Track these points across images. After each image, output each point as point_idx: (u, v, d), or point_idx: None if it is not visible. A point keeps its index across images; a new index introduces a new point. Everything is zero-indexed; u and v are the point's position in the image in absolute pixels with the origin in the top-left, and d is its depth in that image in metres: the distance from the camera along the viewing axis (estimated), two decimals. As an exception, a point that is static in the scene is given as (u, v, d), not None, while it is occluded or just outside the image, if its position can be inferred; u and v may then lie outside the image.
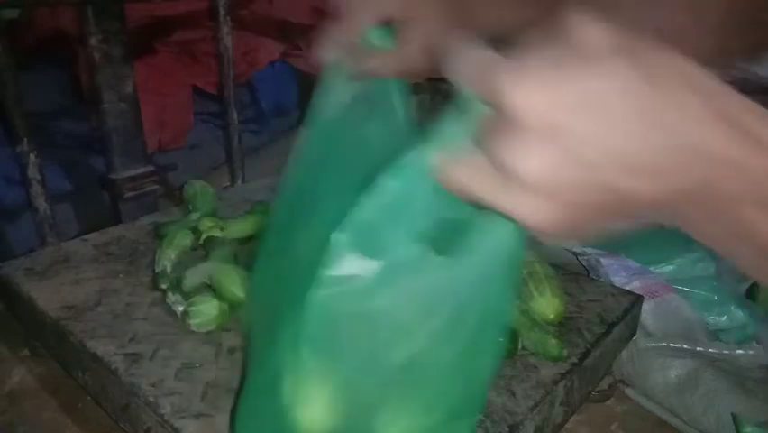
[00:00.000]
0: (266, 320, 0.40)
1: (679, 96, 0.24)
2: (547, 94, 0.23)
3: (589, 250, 0.84)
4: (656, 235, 1.04)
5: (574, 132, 0.23)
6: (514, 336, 0.55)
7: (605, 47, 0.24)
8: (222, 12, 0.90)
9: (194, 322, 0.57)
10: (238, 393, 0.48)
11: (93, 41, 0.81)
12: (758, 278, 0.26)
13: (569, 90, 0.23)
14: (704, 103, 0.24)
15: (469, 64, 0.26)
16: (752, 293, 0.89)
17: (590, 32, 0.25)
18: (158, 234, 0.74)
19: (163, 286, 0.65)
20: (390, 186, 0.29)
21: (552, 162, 0.24)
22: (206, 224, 0.75)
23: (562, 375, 0.54)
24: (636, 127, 0.23)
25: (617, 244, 0.89)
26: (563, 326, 0.60)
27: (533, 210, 0.25)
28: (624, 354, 0.66)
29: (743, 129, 0.24)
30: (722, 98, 0.24)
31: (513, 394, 0.51)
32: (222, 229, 0.75)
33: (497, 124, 0.25)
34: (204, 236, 0.74)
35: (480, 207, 0.26)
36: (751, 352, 0.65)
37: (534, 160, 0.24)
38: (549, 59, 0.24)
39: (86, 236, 0.77)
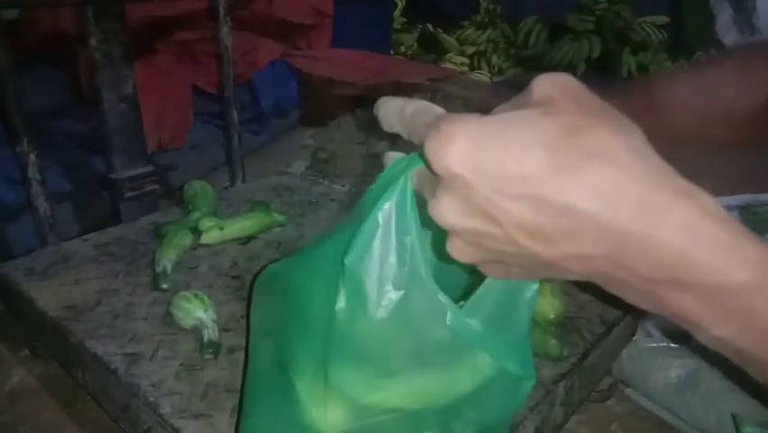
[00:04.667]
0: (275, 330, 0.40)
1: (587, 169, 0.24)
2: (461, 154, 0.26)
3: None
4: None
5: (478, 188, 0.25)
6: None
7: (540, 103, 0.26)
8: (222, 12, 0.90)
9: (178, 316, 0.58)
10: (242, 396, 0.48)
11: (93, 41, 0.81)
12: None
13: (479, 150, 0.25)
14: (615, 178, 0.24)
15: (406, 116, 0.30)
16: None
17: (543, 87, 0.27)
18: (158, 234, 0.74)
19: (164, 286, 0.65)
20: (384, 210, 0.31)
21: (456, 211, 0.27)
22: (206, 224, 0.75)
23: (562, 375, 0.54)
24: (531, 192, 0.25)
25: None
26: (563, 326, 0.60)
27: (453, 247, 0.28)
28: (624, 354, 0.66)
29: (651, 208, 0.24)
30: (637, 176, 0.24)
31: (513, 394, 0.51)
32: (221, 229, 0.75)
33: (426, 172, 0.29)
34: (204, 236, 0.74)
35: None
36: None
37: (443, 207, 0.27)
38: (481, 121, 0.26)
39: (86, 236, 0.77)
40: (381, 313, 0.31)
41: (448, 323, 0.32)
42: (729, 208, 1.11)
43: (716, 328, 0.26)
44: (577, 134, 0.25)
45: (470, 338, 0.33)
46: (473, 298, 0.33)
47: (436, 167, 0.26)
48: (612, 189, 0.24)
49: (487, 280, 0.33)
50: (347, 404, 0.33)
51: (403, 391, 0.33)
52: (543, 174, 0.24)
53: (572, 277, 0.28)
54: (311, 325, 0.35)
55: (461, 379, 0.33)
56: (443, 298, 0.32)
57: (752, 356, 0.26)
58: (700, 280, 0.24)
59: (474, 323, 0.33)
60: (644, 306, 0.27)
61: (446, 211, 0.27)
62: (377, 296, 0.31)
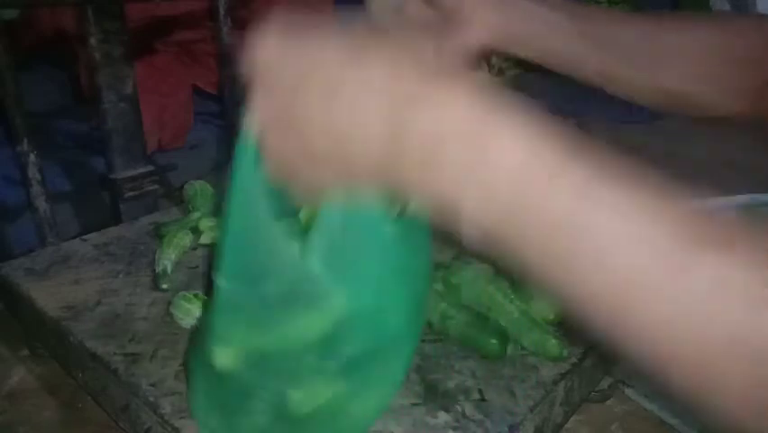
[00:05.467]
0: None
1: (366, 74, 0.28)
2: (269, 59, 0.30)
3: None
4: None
5: (283, 92, 0.29)
6: (503, 336, 0.55)
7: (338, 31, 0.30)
8: (222, 12, 0.90)
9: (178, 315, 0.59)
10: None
11: (93, 41, 0.81)
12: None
13: (286, 57, 0.29)
14: (388, 74, 0.28)
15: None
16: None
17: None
18: (158, 234, 0.74)
19: (164, 286, 0.65)
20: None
21: (266, 112, 0.30)
22: (206, 224, 0.75)
23: (562, 375, 0.54)
24: (323, 99, 0.28)
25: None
26: (563, 326, 0.60)
27: (268, 146, 0.31)
28: (624, 354, 0.66)
29: (419, 95, 0.27)
30: (413, 57, 0.28)
31: (513, 394, 0.51)
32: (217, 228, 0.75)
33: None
34: (204, 236, 0.74)
35: None
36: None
37: (257, 108, 0.30)
38: (291, 33, 0.30)
39: (86, 236, 0.77)
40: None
41: (294, 266, 0.35)
42: (729, 209, 1.11)
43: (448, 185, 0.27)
44: (366, 36, 0.29)
45: (317, 277, 0.35)
46: (312, 236, 0.35)
47: (251, 60, 0.30)
48: (393, 61, 0.28)
49: (322, 220, 0.34)
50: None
51: (274, 338, 0.39)
52: (343, 51, 0.28)
53: (366, 169, 0.29)
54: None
55: (319, 320, 0.37)
56: (284, 240, 0.35)
57: (499, 237, 0.26)
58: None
59: (316, 261, 0.35)
60: (414, 173, 0.28)
61: (261, 95, 0.30)
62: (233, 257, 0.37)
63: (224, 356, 0.41)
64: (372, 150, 0.28)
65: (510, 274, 0.69)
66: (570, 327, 0.61)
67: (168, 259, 0.68)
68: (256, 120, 0.31)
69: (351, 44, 0.28)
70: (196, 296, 0.59)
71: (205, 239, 0.74)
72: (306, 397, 0.41)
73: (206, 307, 0.52)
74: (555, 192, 0.24)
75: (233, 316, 0.39)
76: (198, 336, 0.47)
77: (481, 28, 0.46)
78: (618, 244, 0.23)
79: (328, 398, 0.41)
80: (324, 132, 0.29)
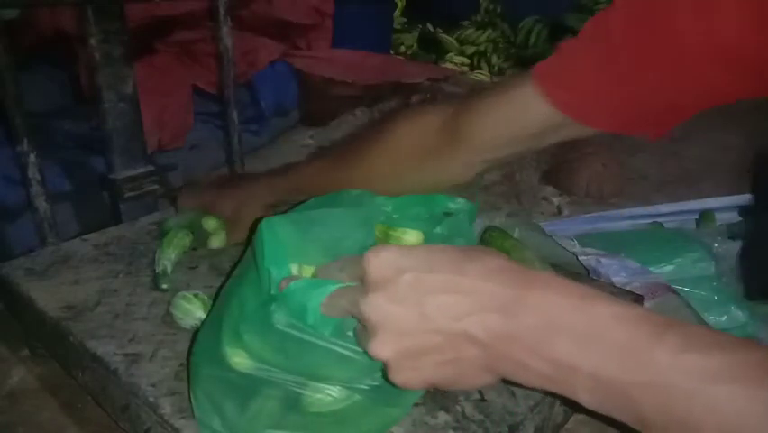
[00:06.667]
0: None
1: (477, 260, 0.34)
2: (388, 257, 0.35)
3: (589, 250, 0.84)
4: (656, 236, 1.04)
5: (400, 281, 0.34)
6: None
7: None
8: (222, 12, 0.90)
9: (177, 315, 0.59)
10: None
11: (93, 41, 0.81)
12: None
13: (401, 256, 0.35)
14: (495, 263, 0.34)
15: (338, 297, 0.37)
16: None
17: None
18: (162, 228, 0.74)
19: (164, 286, 0.65)
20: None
21: (392, 345, 0.34)
22: (210, 223, 0.75)
23: (562, 375, 0.54)
24: (443, 278, 0.34)
25: (617, 245, 0.89)
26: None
27: (394, 375, 0.35)
28: (624, 354, 0.66)
29: (523, 279, 0.33)
30: (507, 264, 0.35)
31: (513, 394, 0.51)
32: (222, 229, 0.75)
33: (362, 327, 0.36)
34: (211, 239, 0.74)
35: None
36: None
37: (381, 345, 0.34)
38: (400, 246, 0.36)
39: (86, 236, 0.77)
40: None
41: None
42: (729, 208, 1.11)
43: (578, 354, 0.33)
44: (471, 251, 0.36)
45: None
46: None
47: (368, 268, 0.35)
48: (494, 270, 0.34)
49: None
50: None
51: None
52: (448, 269, 0.34)
53: (475, 355, 0.34)
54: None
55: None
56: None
57: (615, 383, 0.33)
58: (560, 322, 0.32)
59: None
60: (533, 361, 0.33)
61: (375, 303, 0.34)
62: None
63: (238, 356, 0.41)
64: (481, 353, 0.33)
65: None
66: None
67: (168, 259, 0.68)
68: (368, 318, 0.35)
69: (453, 259, 0.35)
70: (196, 296, 0.59)
71: (212, 243, 0.74)
72: (322, 400, 0.41)
73: (212, 307, 0.52)
74: (656, 363, 0.30)
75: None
76: (204, 336, 0.47)
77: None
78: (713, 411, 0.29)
79: (347, 404, 0.41)
80: (439, 339, 0.34)
